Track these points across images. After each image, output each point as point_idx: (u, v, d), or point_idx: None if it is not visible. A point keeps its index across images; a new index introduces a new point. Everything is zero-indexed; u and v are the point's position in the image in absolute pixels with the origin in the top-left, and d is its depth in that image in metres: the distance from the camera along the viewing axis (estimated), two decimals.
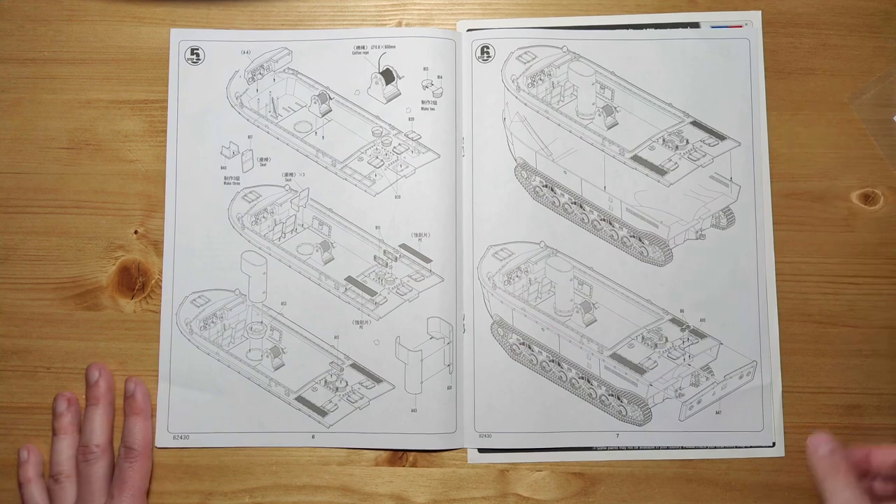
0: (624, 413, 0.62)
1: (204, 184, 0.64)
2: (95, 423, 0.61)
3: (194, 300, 0.63)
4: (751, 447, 0.62)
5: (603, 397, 0.62)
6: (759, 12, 0.65)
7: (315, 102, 0.64)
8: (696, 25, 0.65)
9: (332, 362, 0.62)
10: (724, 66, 0.64)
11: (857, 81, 0.64)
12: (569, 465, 0.62)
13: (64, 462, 0.60)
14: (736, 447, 0.62)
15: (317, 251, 0.63)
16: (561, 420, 0.62)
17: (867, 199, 0.64)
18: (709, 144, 0.64)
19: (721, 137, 0.64)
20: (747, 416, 0.62)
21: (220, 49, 0.65)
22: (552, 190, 0.64)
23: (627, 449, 0.62)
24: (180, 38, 0.65)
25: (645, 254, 0.63)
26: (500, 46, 0.65)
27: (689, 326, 0.63)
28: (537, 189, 0.64)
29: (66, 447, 0.61)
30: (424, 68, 0.64)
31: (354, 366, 0.62)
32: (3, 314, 0.64)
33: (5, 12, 0.66)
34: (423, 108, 0.64)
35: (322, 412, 0.62)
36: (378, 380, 0.62)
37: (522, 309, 0.63)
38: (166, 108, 0.65)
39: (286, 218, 0.64)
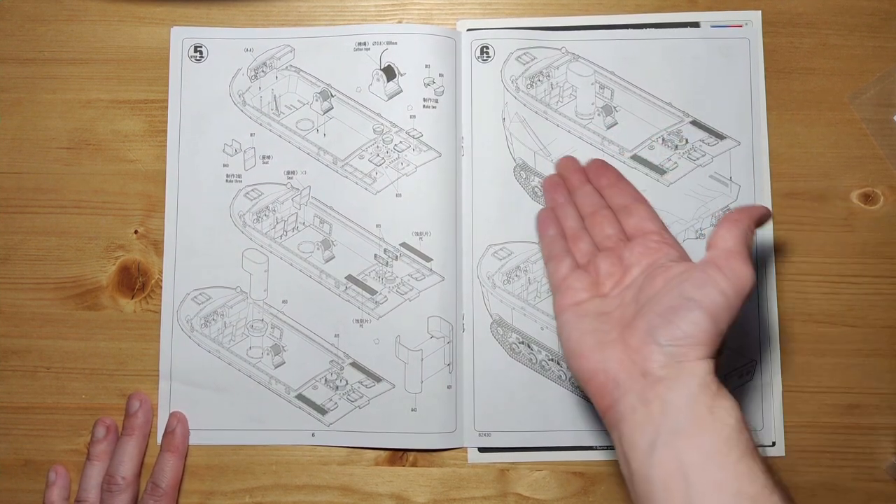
0: None
1: (206, 181, 0.64)
2: (125, 455, 0.60)
3: (195, 297, 0.63)
4: None
5: None
6: (759, 12, 0.65)
7: (317, 100, 0.64)
8: (695, 25, 0.65)
9: (332, 361, 0.62)
10: (724, 65, 0.64)
11: (857, 81, 0.64)
12: (569, 465, 0.62)
13: (91, 489, 0.59)
14: None
15: (318, 249, 0.63)
16: (561, 419, 0.62)
17: (867, 198, 0.64)
18: (708, 144, 0.64)
19: (721, 137, 0.64)
20: (747, 416, 0.62)
21: (223, 47, 0.65)
22: None
23: None
24: (183, 36, 0.65)
25: None
26: (499, 47, 0.65)
27: None
28: (536, 189, 0.64)
29: (95, 474, 0.60)
30: (426, 66, 0.64)
31: (354, 364, 0.62)
32: (3, 314, 0.64)
33: (5, 12, 0.66)
34: (424, 106, 0.64)
35: (322, 410, 0.62)
36: (378, 379, 0.62)
37: (522, 308, 0.63)
38: (166, 107, 0.65)
39: (287, 216, 0.64)
